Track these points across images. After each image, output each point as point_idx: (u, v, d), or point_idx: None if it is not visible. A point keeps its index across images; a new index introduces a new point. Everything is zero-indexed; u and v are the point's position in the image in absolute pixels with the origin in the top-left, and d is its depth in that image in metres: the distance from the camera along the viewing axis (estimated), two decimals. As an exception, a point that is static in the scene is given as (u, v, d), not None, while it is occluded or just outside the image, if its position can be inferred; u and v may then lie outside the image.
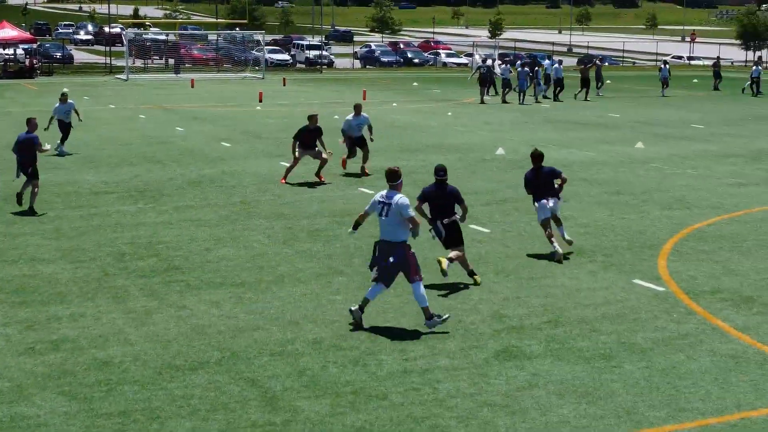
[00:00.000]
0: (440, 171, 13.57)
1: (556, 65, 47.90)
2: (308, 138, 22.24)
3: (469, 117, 38.65)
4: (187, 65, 69.58)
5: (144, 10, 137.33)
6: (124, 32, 59.08)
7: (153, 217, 18.38)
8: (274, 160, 25.54)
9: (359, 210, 13.58)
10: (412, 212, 11.78)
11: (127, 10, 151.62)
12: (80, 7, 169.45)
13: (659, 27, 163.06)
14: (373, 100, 45.27)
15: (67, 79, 58.43)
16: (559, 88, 47.08)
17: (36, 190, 18.65)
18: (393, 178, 11.87)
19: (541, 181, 15.36)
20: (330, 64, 75.48)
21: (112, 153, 27.01)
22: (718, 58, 63.33)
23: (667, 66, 51.72)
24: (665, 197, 20.79)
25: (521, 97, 45.62)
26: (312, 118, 22.28)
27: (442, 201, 13.63)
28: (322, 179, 22.36)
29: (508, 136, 31.56)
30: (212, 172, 23.39)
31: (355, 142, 23.50)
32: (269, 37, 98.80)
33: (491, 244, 16.35)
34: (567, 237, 15.70)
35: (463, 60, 79.19)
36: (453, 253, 13.66)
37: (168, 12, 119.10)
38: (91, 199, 20.04)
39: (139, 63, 68.53)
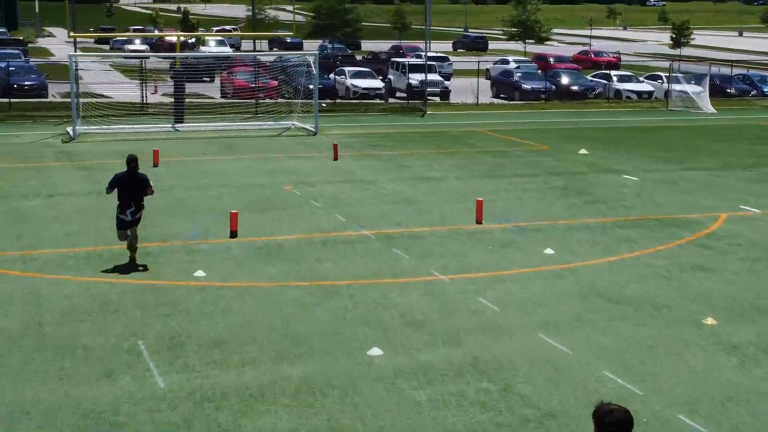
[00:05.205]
0: None
1: None
2: None
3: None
4: (227, 96, 46.35)
5: (232, 10, 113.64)
6: (72, 55, 34.40)
7: None
8: None
9: None
10: None
11: (229, 10, 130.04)
12: (178, 8, 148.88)
13: None
14: (493, 223, 20.25)
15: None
16: None
17: None
18: None
19: None
20: (445, 95, 50.05)
21: None
22: None
23: None
24: None
25: None
26: None
27: None
28: None
29: None
30: None
31: None
32: (372, 45, 74.20)
33: None
34: None
35: (646, 86, 52.41)
36: None
37: (248, 14, 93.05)
38: None
39: (161, 95, 45.45)
